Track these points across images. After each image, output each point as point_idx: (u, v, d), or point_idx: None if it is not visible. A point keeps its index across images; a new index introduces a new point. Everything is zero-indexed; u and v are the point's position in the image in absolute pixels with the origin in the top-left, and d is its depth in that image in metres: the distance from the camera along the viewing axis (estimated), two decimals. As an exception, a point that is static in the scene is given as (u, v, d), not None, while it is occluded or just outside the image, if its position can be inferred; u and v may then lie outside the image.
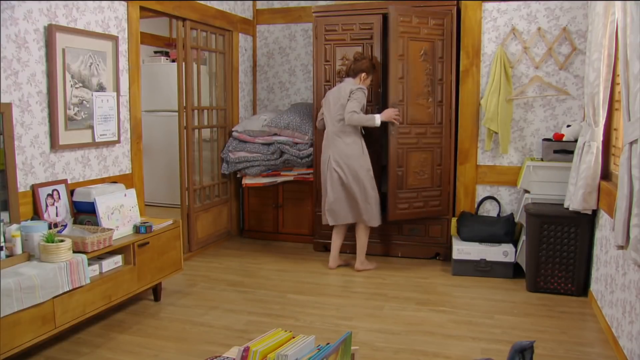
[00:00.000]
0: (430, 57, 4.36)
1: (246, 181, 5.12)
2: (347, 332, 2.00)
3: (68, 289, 2.78)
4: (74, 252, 2.90)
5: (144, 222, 3.46)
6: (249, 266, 4.49)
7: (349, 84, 4.21)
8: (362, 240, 4.33)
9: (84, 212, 3.31)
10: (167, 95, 6.19)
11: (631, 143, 2.49)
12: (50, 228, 2.99)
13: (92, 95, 3.51)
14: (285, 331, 2.06)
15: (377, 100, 4.57)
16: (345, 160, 4.17)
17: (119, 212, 3.35)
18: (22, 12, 3.00)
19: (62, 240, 2.80)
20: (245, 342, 2.32)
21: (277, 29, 5.55)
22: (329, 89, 4.68)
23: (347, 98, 4.13)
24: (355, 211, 4.24)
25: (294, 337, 2.03)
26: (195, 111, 4.77)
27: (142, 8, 3.93)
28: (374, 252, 4.68)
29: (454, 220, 4.45)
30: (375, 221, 4.26)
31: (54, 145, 3.24)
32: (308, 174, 4.93)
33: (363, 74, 4.22)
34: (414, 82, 4.33)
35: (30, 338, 2.59)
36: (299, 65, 5.52)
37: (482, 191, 4.55)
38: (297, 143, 4.88)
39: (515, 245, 4.20)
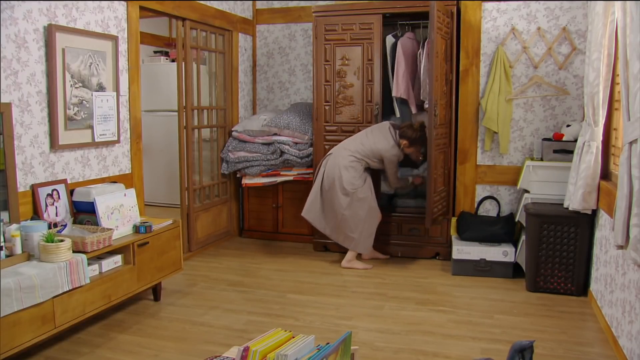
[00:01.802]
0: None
1: (246, 181, 5.12)
2: (347, 332, 2.00)
3: (68, 289, 2.78)
4: (74, 251, 2.90)
5: (144, 222, 3.45)
6: (249, 266, 4.49)
7: (394, 138, 4.31)
8: None
9: (83, 212, 3.31)
10: (166, 95, 6.19)
11: (631, 143, 2.49)
12: (50, 228, 2.99)
13: (91, 95, 3.51)
14: (285, 331, 2.06)
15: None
16: (333, 167, 4.31)
17: (119, 212, 3.35)
18: (21, 12, 3.00)
19: (61, 240, 2.80)
20: (245, 341, 2.32)
21: (277, 28, 5.55)
22: (329, 88, 4.69)
23: (383, 153, 4.29)
24: (323, 218, 4.41)
25: (293, 337, 2.03)
26: (195, 111, 4.77)
27: (141, 8, 3.93)
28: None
29: (453, 220, 4.45)
30: (350, 244, 4.37)
31: (54, 145, 3.24)
32: (308, 173, 4.93)
33: (405, 142, 4.29)
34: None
35: (30, 338, 2.59)
36: (298, 65, 5.52)
37: (481, 191, 4.55)
38: (296, 143, 4.88)
39: (515, 245, 4.20)
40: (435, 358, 2.88)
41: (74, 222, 3.27)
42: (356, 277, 4.20)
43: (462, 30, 4.42)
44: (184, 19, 4.45)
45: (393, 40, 4.74)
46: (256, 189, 5.24)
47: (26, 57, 3.04)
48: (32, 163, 3.12)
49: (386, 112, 4.89)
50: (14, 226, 2.79)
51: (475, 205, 4.54)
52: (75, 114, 3.39)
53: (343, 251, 4.77)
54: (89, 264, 2.94)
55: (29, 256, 2.79)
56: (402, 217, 4.65)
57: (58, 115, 3.24)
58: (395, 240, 4.68)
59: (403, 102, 4.75)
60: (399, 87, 4.59)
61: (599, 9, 3.29)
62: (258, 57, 5.62)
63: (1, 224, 2.71)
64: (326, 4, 4.85)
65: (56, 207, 3.22)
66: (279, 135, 4.91)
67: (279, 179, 5.02)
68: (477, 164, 4.51)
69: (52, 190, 3.21)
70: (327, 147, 4.75)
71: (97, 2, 3.53)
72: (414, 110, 4.71)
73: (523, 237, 4.03)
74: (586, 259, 3.73)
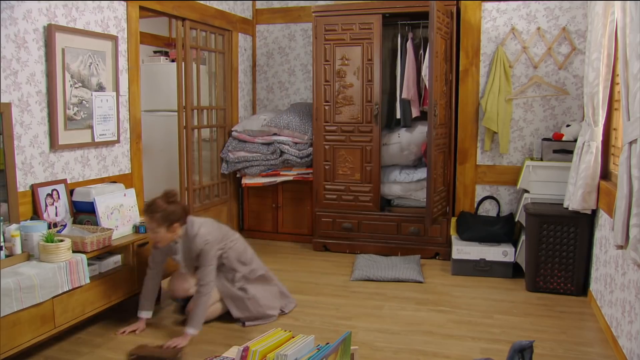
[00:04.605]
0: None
1: (246, 181, 5.12)
2: (347, 332, 2.00)
3: (67, 289, 2.78)
4: (74, 251, 2.90)
5: (144, 222, 3.45)
6: (249, 266, 4.48)
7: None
8: None
9: (83, 212, 3.31)
10: (166, 95, 6.15)
11: (630, 143, 2.49)
12: (49, 228, 2.99)
13: (91, 95, 3.51)
14: (285, 331, 2.06)
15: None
16: None
17: (119, 212, 3.35)
18: (21, 12, 2.99)
19: (61, 240, 2.80)
20: (245, 342, 2.32)
21: (277, 28, 5.55)
22: (329, 88, 4.69)
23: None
24: None
25: (293, 337, 2.03)
26: (195, 111, 4.76)
27: (141, 8, 3.93)
28: (373, 251, 4.69)
29: (453, 220, 4.45)
30: None
31: (54, 145, 3.24)
32: (307, 173, 4.93)
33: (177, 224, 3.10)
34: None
35: (29, 338, 2.59)
36: (298, 65, 5.52)
37: (481, 191, 4.55)
38: (296, 143, 4.88)
39: (515, 245, 4.20)
40: (435, 358, 2.88)
41: (74, 222, 3.27)
42: (356, 277, 4.19)
43: (461, 30, 4.42)
44: (183, 19, 4.45)
45: (402, 41, 4.73)
46: (256, 189, 5.24)
47: (26, 57, 3.04)
48: (32, 163, 3.12)
49: (385, 112, 4.89)
50: (14, 226, 2.79)
51: (475, 205, 4.54)
52: (75, 114, 3.39)
53: (343, 251, 4.78)
54: (88, 264, 2.94)
55: (28, 256, 2.79)
56: (402, 217, 4.65)
57: (58, 115, 3.24)
58: (395, 240, 4.67)
59: (406, 104, 4.73)
60: (409, 90, 4.59)
61: (599, 9, 3.29)
62: (258, 57, 5.62)
63: (1, 224, 2.71)
64: (326, 4, 4.85)
65: (56, 207, 3.22)
66: (279, 135, 4.91)
67: (279, 179, 5.02)
68: (477, 164, 4.51)
69: (52, 190, 3.21)
70: (326, 147, 4.75)
71: (97, 2, 3.53)
72: (416, 113, 4.70)
73: (523, 237, 4.03)
74: (586, 259, 3.73)
